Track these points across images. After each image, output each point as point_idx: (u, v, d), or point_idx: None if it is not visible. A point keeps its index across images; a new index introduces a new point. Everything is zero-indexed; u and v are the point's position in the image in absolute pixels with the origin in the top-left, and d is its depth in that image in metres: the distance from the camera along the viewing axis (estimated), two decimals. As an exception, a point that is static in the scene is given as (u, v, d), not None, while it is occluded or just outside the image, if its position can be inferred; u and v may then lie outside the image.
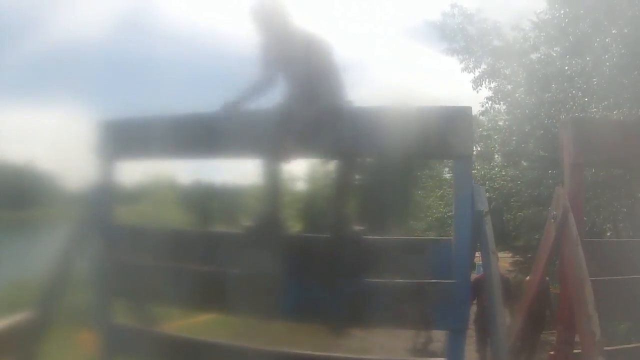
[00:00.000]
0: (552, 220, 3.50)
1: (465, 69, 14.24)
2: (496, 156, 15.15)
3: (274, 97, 3.47)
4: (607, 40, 10.31)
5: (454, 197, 3.12)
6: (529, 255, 13.74)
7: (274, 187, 3.49)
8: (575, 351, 3.37)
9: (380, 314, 2.99)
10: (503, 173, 14.02)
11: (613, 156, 3.73)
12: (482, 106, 14.18)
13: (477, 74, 14.02)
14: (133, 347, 3.50)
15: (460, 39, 14.51)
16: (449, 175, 20.02)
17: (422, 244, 3.41)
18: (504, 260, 15.19)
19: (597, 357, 2.99)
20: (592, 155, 3.59)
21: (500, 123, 14.56)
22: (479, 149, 15.39)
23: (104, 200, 3.53)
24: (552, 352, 3.54)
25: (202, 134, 3.33)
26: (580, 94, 10.96)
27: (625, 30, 9.58)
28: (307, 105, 3.21)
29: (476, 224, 3.00)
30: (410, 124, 3.01)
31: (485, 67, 13.91)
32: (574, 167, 3.50)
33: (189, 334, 3.82)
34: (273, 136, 3.17)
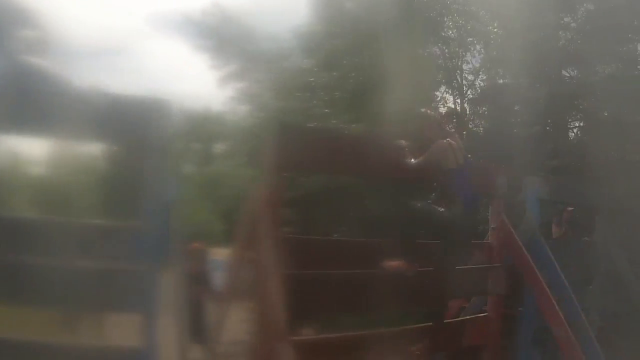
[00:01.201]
0: (247, 215, 3.67)
1: (214, 66, 14.36)
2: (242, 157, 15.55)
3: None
4: (355, 60, 11.25)
5: (144, 184, 3.20)
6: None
7: None
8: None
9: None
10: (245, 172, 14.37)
11: (304, 160, 3.96)
12: (225, 105, 14.47)
13: (224, 72, 14.22)
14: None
15: (215, 37, 14.59)
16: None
17: (114, 228, 3.40)
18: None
19: (281, 343, 3.17)
20: (288, 158, 3.71)
21: (243, 124, 14.98)
22: (224, 147, 15.70)
23: None
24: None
25: None
26: (322, 104, 11.76)
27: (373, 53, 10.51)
28: None
29: (164, 206, 3.16)
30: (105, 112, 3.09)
31: (235, 67, 14.16)
32: (273, 168, 3.65)
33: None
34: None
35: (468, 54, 13.33)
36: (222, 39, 14.43)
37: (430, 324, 4.53)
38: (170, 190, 3.24)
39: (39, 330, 3.38)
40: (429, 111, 5.04)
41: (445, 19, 13.30)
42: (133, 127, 3.19)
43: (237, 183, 13.86)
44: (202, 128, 16.68)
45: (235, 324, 4.02)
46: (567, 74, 12.57)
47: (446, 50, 13.24)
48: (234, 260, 4.02)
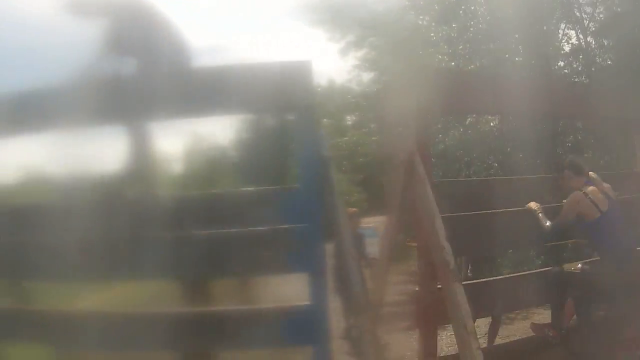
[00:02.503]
0: (399, 164, 3.67)
1: (332, 39, 14.51)
2: (371, 124, 15.67)
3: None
4: (472, 8, 10.96)
5: (297, 147, 3.25)
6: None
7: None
8: (438, 285, 3.52)
9: (235, 263, 3.11)
10: (374, 138, 14.50)
11: (452, 102, 3.94)
12: (349, 74, 14.56)
13: (343, 44, 14.34)
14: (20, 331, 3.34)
15: (327, 10, 14.75)
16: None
17: (270, 194, 3.43)
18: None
19: (453, 283, 3.19)
20: (433, 101, 3.69)
21: (368, 90, 15.03)
22: (353, 118, 15.85)
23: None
24: (416, 288, 3.69)
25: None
26: (446, 58, 11.55)
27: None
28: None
29: (321, 170, 3.12)
30: (252, 81, 3.14)
31: (352, 36, 14.26)
32: (418, 112, 3.65)
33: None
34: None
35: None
36: (337, 9, 14.54)
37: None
38: (324, 152, 3.27)
39: (218, 296, 3.72)
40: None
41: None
42: (286, 92, 3.17)
43: (371, 151, 13.99)
44: (330, 100, 16.86)
45: (392, 287, 4.16)
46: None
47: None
48: (391, 216, 4.11)
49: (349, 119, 17.62)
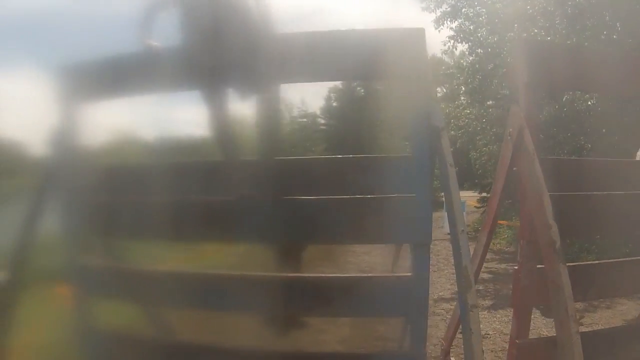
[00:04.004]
0: (509, 138, 3.57)
1: (426, 8, 14.16)
2: (462, 96, 15.30)
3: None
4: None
5: (409, 115, 3.18)
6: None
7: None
8: (538, 266, 3.45)
9: (342, 229, 3.11)
10: (467, 111, 14.17)
11: (566, 78, 3.78)
12: (445, 45, 14.21)
13: (438, 14, 13.98)
14: (113, 288, 3.49)
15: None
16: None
17: (379, 161, 3.41)
18: (471, 199, 15.56)
19: (559, 264, 3.10)
20: (545, 75, 3.62)
21: (463, 62, 14.62)
22: (444, 90, 15.52)
23: (69, 143, 3.45)
24: (516, 267, 3.61)
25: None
26: (542, 32, 11.07)
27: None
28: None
29: (433, 140, 3.06)
30: (366, 47, 3.13)
31: (447, 7, 13.87)
32: (528, 87, 3.53)
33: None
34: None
35: None
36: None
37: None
38: (437, 122, 3.16)
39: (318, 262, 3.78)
40: None
41: None
42: (399, 59, 3.10)
43: (464, 124, 13.70)
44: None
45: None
46: None
47: None
48: (496, 189, 4.05)
49: (439, 91, 17.27)
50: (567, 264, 3.54)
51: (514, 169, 3.61)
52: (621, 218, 3.82)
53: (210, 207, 3.35)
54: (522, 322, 3.53)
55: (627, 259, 4.37)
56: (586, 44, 10.15)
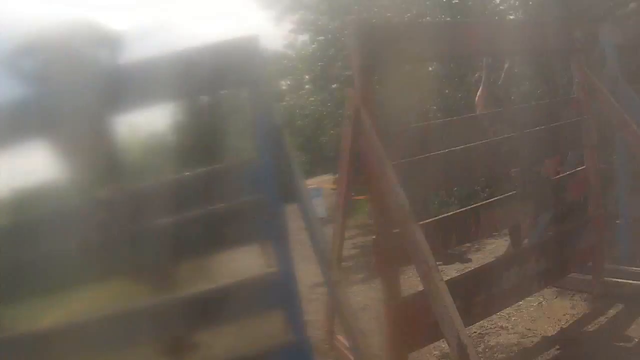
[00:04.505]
0: (347, 120, 3.79)
1: (267, 6, 14.37)
2: (306, 85, 15.67)
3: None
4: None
5: (250, 118, 3.34)
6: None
7: None
8: (394, 231, 3.65)
9: (204, 242, 3.21)
10: (312, 99, 14.59)
11: (397, 54, 4.04)
12: (286, 39, 14.51)
13: (278, 9, 14.22)
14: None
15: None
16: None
17: (226, 169, 3.53)
18: (327, 182, 15.93)
19: (411, 224, 3.36)
20: (377, 56, 3.84)
21: (305, 53, 15.00)
22: (288, 82, 15.81)
23: None
24: (374, 237, 3.82)
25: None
26: (383, 10, 11.60)
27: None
28: None
29: (275, 138, 3.25)
30: (202, 64, 3.21)
31: (287, 1, 14.13)
32: (361, 69, 3.76)
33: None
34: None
35: None
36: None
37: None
38: (277, 123, 3.38)
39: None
40: None
41: None
42: (235, 69, 3.27)
43: (309, 113, 14.08)
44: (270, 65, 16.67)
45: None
46: None
47: None
48: (342, 172, 4.29)
49: (284, 84, 17.58)
50: (425, 221, 3.89)
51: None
52: (463, 170, 4.27)
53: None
54: (390, 285, 3.74)
55: (481, 203, 4.83)
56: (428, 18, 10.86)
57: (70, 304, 3.72)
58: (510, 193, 4.82)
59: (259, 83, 3.33)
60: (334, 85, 13.47)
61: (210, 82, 3.36)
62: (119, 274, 3.38)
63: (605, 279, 5.25)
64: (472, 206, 4.48)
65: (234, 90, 3.51)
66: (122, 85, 3.11)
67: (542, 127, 4.77)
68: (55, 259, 3.12)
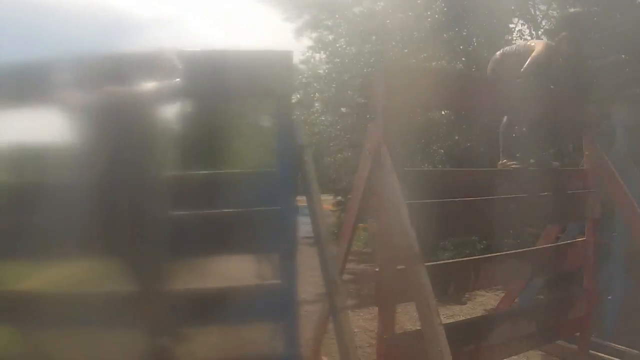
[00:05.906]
0: (367, 153, 3.86)
1: (287, 19, 14.53)
2: (316, 103, 15.79)
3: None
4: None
5: (274, 133, 3.43)
6: (349, 196, 14.70)
7: None
8: (399, 267, 3.70)
9: (211, 243, 3.25)
10: (322, 118, 14.71)
11: (417, 99, 4.18)
12: (303, 55, 14.66)
13: (299, 24, 14.41)
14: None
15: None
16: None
17: (247, 176, 3.58)
18: (327, 202, 16.01)
19: (417, 265, 3.42)
20: (401, 100, 3.95)
21: (320, 71, 15.16)
22: (299, 96, 15.92)
23: None
24: (376, 269, 3.86)
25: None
26: (400, 45, 11.78)
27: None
28: None
29: (297, 156, 3.35)
30: (231, 68, 3.27)
31: (308, 17, 14.32)
32: (385, 109, 3.83)
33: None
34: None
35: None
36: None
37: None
38: (300, 138, 3.46)
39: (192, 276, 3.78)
40: None
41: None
42: (267, 80, 3.33)
43: (318, 131, 14.16)
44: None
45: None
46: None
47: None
48: (353, 202, 4.32)
49: (293, 98, 17.63)
50: (427, 264, 3.94)
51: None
52: (471, 220, 4.34)
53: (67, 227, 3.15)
54: (387, 319, 3.78)
55: (481, 256, 4.92)
56: (443, 61, 11.02)
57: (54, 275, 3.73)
58: (511, 252, 4.90)
59: (286, 97, 3.47)
60: (343, 109, 13.57)
61: (241, 87, 3.40)
62: (115, 258, 3.35)
63: (591, 351, 5.31)
64: (474, 258, 4.57)
65: (260, 100, 3.56)
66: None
67: (550, 193, 4.87)
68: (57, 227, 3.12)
